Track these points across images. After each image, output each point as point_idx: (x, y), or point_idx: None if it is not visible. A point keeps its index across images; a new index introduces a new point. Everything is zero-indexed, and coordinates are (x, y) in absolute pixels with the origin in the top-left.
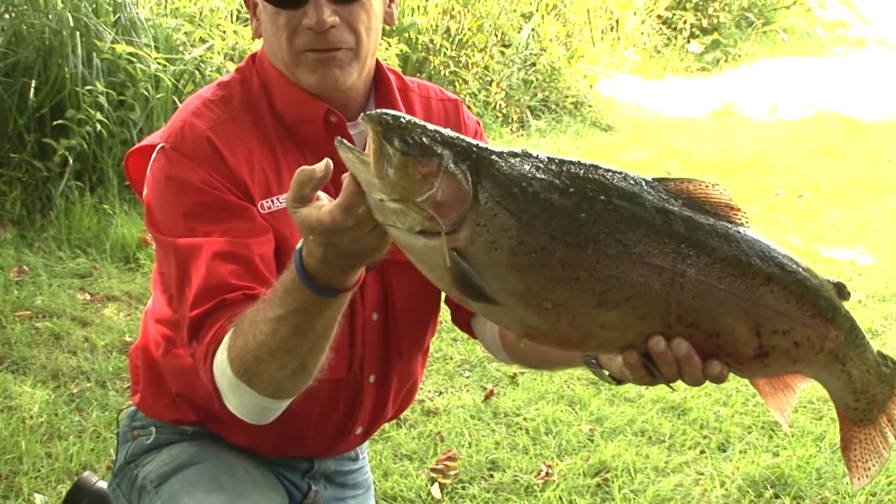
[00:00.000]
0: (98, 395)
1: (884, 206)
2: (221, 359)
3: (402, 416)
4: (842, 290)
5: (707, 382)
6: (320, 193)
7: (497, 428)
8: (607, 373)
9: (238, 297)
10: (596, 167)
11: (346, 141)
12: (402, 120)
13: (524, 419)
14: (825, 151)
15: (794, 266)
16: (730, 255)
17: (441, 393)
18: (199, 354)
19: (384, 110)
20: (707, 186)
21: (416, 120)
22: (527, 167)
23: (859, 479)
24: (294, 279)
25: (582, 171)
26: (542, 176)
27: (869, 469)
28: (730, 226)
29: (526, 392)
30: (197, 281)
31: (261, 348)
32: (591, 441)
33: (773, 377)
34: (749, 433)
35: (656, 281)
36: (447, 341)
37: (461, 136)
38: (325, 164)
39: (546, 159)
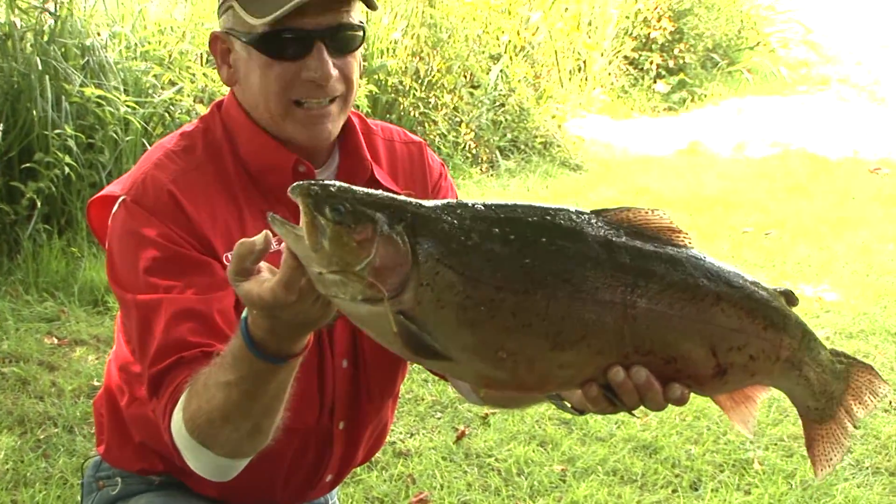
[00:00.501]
0: (65, 441)
1: (849, 243)
2: (177, 419)
3: (373, 459)
4: (790, 297)
5: (673, 411)
6: (262, 264)
7: (469, 469)
8: (569, 404)
9: (196, 354)
10: (533, 208)
11: (278, 216)
12: (331, 188)
13: (496, 460)
14: (791, 189)
15: (741, 281)
16: (678, 279)
17: (412, 434)
18: (159, 412)
19: (312, 181)
20: (646, 212)
21: (346, 186)
22: (464, 219)
23: (822, 469)
24: (242, 347)
25: (520, 215)
26: (481, 226)
27: (831, 460)
28: (674, 249)
29: (497, 433)
30: (156, 338)
31: (213, 412)
32: (563, 481)
33: (733, 391)
34: (721, 471)
35: (609, 316)
36: (418, 382)
37: (394, 196)
38: (264, 236)
39: (482, 207)
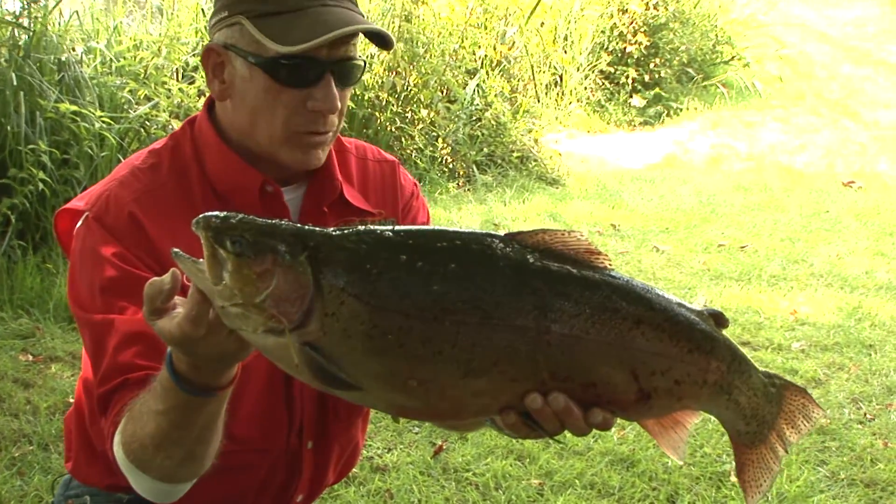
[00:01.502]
0: (40, 459)
1: (823, 256)
2: (118, 441)
3: (350, 474)
4: (719, 319)
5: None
6: (177, 299)
7: (447, 484)
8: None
9: (141, 377)
10: (443, 233)
11: (181, 251)
12: (231, 220)
13: (473, 474)
14: (766, 203)
15: (664, 303)
16: (594, 302)
17: (390, 449)
18: (105, 432)
19: (213, 213)
20: (563, 234)
21: (248, 217)
22: (371, 246)
23: (752, 496)
24: (168, 379)
25: (428, 241)
26: (388, 253)
27: (761, 486)
28: (591, 272)
29: (475, 447)
30: (106, 358)
31: (146, 439)
32: (541, 495)
33: (661, 416)
34: (697, 484)
35: (521, 342)
36: None
37: (299, 226)
38: (172, 274)
39: (391, 234)
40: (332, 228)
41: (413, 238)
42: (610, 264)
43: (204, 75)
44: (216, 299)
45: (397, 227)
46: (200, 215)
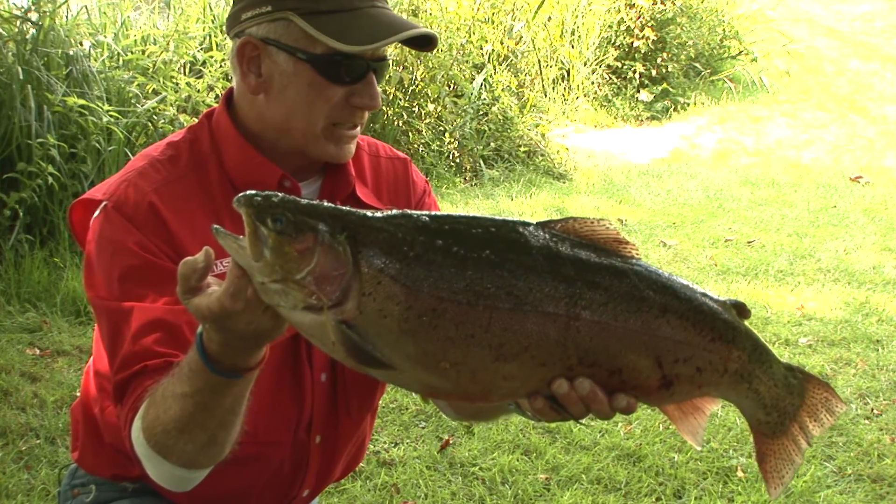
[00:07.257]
0: (47, 452)
1: (831, 251)
2: (137, 427)
3: (357, 469)
4: (742, 310)
5: (657, 418)
6: (210, 279)
7: (453, 478)
8: (529, 412)
9: (160, 363)
10: (477, 220)
11: (222, 228)
12: (273, 199)
13: (480, 469)
14: (773, 198)
15: (688, 293)
16: (622, 291)
17: (397, 444)
18: (121, 419)
19: (255, 192)
20: (593, 223)
21: (289, 197)
22: (408, 230)
23: (775, 487)
24: (197, 360)
25: (463, 227)
26: (425, 237)
27: (783, 477)
28: (619, 261)
29: (482, 441)
30: (124, 345)
31: (169, 423)
32: (548, 490)
33: (682, 402)
34: (704, 479)
35: (552, 328)
36: (402, 392)
37: (338, 207)
38: (206, 253)
39: (427, 219)
40: (370, 211)
41: (449, 224)
42: (637, 253)
43: (233, 69)
44: (256, 275)
45: (433, 213)
46: (241, 193)
